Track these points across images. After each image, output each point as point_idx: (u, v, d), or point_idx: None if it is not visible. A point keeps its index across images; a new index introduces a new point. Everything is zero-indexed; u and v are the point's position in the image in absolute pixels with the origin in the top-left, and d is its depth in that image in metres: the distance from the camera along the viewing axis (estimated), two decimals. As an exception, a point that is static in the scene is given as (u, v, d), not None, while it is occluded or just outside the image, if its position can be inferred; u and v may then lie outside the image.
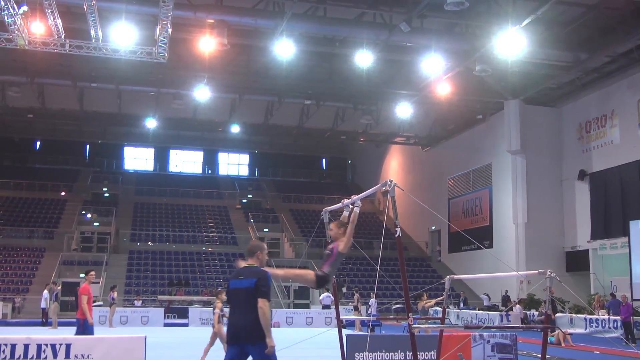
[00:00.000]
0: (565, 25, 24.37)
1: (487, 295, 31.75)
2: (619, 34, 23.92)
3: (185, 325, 26.51)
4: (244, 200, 47.73)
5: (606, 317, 22.63)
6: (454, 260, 37.12)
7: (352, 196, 8.22)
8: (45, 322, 24.69)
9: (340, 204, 8.49)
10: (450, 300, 29.29)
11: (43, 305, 24.92)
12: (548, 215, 31.02)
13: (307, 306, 33.10)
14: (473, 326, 19.61)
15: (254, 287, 6.02)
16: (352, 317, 25.10)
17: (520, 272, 16.62)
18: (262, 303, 5.96)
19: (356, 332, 22.24)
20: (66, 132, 44.83)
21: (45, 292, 25.13)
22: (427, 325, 14.99)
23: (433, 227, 40.61)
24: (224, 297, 16.56)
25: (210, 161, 52.81)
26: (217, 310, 12.79)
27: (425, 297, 17.91)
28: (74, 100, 33.81)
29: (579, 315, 24.08)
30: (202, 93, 30.49)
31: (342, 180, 55.25)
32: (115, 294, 24.95)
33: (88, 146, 50.32)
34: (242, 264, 6.34)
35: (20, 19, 18.82)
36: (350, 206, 8.11)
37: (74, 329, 11.45)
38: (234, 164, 53.60)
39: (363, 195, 8.14)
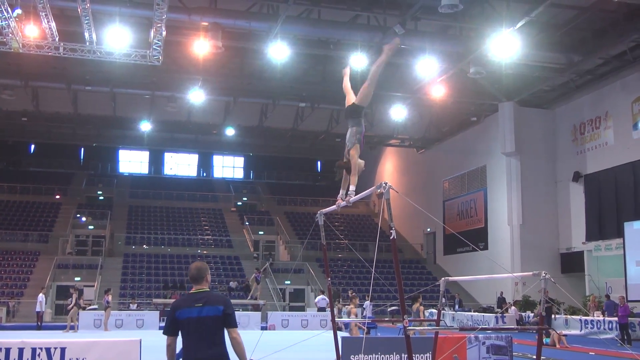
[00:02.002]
0: (559, 28, 24.45)
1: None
2: (612, 36, 24.01)
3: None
4: (239, 203, 47.68)
5: (601, 318, 22.68)
6: (449, 262, 37.15)
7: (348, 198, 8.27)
8: (40, 326, 24.59)
9: (335, 206, 8.53)
10: (445, 302, 29.36)
11: (38, 309, 24.82)
12: (543, 217, 31.09)
13: (302, 309, 33.07)
14: (468, 328, 19.65)
15: (222, 315, 5.31)
16: (347, 319, 25.06)
17: (515, 274, 16.69)
18: (236, 333, 5.36)
19: (351, 334, 22.20)
20: (60, 135, 44.70)
21: (41, 295, 25.01)
22: (423, 327, 15.01)
23: (428, 229, 40.64)
24: (357, 301, 16.61)
25: (205, 164, 52.71)
26: (352, 316, 12.93)
27: (420, 299, 17.90)
28: (68, 103, 33.73)
29: (574, 317, 24.11)
30: (196, 96, 30.47)
31: (337, 182, 54.70)
32: (109, 297, 24.87)
33: (82, 149, 50.18)
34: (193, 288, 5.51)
35: (14, 22, 18.77)
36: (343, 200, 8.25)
37: (69, 332, 11.41)
38: (228, 167, 53.52)
39: (358, 198, 8.17)
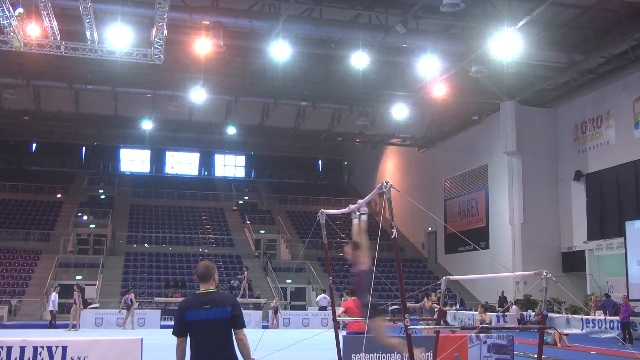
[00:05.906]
0: (561, 27, 24.43)
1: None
2: (614, 35, 23.98)
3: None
4: (240, 202, 47.69)
5: (602, 317, 22.67)
6: (451, 261, 37.13)
7: (356, 202, 8.25)
8: (54, 324, 24.56)
9: (347, 208, 8.51)
10: (448, 301, 29.34)
11: (51, 307, 24.80)
12: (544, 216, 31.06)
13: (303, 307, 33.09)
14: (469, 327, 19.63)
15: (230, 317, 5.33)
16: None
17: (516, 273, 16.68)
18: (242, 335, 5.37)
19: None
20: (62, 134, 44.77)
21: (54, 294, 24.95)
22: (423, 327, 14.99)
23: (429, 229, 40.61)
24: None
25: (206, 163, 52.75)
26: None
27: (433, 297, 17.82)
28: (69, 102, 33.74)
29: (575, 316, 24.13)
30: (198, 95, 30.46)
31: (338, 181, 55.24)
32: (131, 296, 24.90)
33: (84, 148, 50.25)
34: (202, 287, 5.51)
35: (15, 21, 18.78)
36: (357, 213, 8.14)
37: (71, 330, 11.40)
38: (230, 166, 53.55)
39: (365, 201, 8.16)
